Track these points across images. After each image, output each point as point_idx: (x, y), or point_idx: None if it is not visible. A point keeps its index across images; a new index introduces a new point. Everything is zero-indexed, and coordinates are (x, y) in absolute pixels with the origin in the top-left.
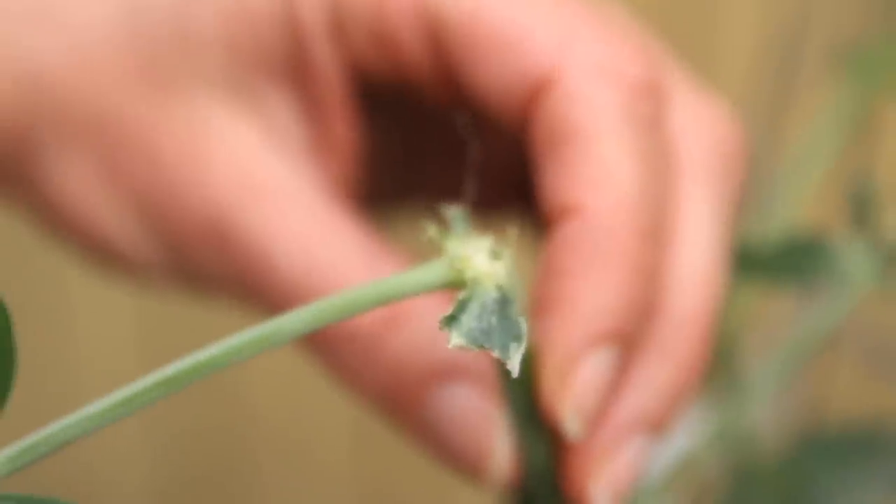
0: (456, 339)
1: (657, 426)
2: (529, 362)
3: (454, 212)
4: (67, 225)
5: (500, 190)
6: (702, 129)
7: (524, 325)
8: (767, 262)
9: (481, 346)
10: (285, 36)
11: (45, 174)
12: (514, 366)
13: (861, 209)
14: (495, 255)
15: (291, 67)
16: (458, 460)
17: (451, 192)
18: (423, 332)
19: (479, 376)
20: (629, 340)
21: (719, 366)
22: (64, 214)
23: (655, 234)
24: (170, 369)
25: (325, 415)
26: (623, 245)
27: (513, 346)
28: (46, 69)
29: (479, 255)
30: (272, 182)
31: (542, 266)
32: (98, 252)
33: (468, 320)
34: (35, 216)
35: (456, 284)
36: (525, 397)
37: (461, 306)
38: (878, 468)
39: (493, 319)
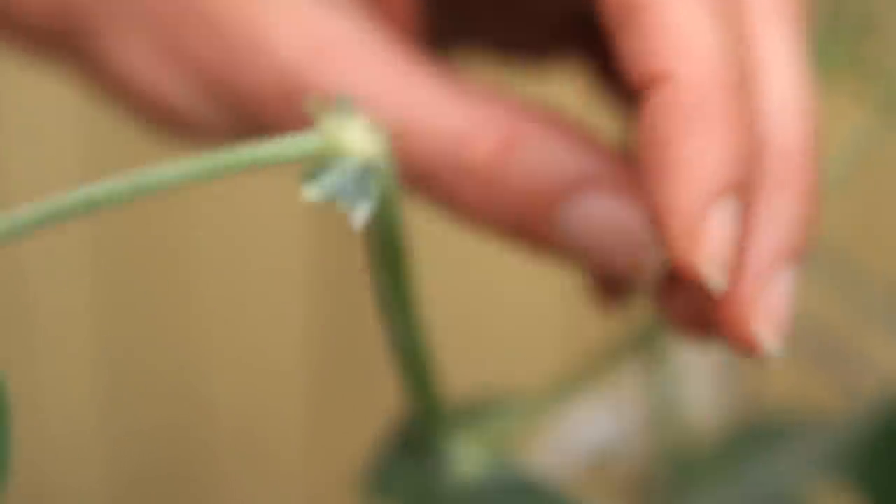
0: (311, 193)
1: (795, 254)
2: (394, 242)
3: (340, 97)
4: (130, 97)
5: (556, 35)
6: None
7: (375, 190)
8: None
9: (333, 202)
10: None
11: (104, 50)
12: (358, 222)
13: None
14: (368, 133)
15: None
16: (606, 271)
17: (505, 37)
18: (542, 151)
19: (614, 183)
20: (745, 187)
21: (650, 349)
22: (126, 87)
23: (745, 82)
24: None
25: (281, 415)
26: (720, 103)
27: (362, 205)
28: None
29: (351, 130)
30: (339, 36)
31: (642, 137)
32: (163, 119)
33: (327, 180)
34: (96, 86)
35: (327, 153)
36: (391, 274)
37: (322, 166)
38: (809, 453)
39: (351, 184)
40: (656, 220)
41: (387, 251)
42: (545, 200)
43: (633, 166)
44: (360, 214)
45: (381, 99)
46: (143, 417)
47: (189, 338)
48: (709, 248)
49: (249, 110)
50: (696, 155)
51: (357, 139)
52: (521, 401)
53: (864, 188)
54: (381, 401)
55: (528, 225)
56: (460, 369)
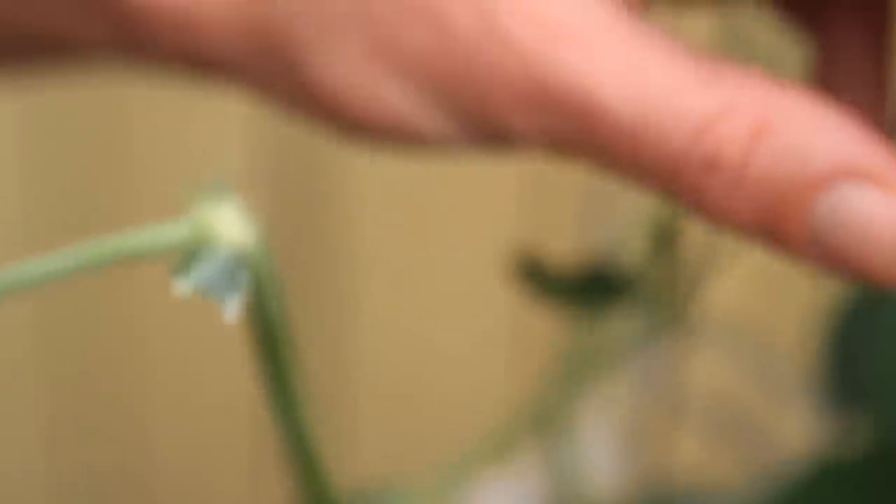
0: (183, 286)
1: None
2: (275, 337)
3: (216, 181)
4: (348, 115)
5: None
6: None
7: (247, 281)
8: (569, 286)
9: (206, 296)
10: None
11: (315, 67)
12: (230, 316)
13: (662, 236)
14: (240, 220)
15: None
16: (865, 272)
17: None
18: (796, 136)
19: (881, 171)
20: None
21: (552, 422)
22: (343, 105)
23: None
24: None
25: (223, 451)
26: None
27: (232, 297)
28: None
29: (223, 217)
30: (571, 19)
31: None
32: (387, 136)
33: (197, 272)
34: (302, 110)
35: (197, 243)
36: (271, 365)
37: (191, 258)
38: None
39: (221, 275)
40: None
41: (265, 342)
42: (797, 193)
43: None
44: (231, 307)
45: (616, 86)
46: (84, 461)
47: (132, 381)
48: None
49: (486, 116)
50: None
51: (228, 227)
52: (423, 484)
53: (765, 263)
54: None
55: (778, 223)
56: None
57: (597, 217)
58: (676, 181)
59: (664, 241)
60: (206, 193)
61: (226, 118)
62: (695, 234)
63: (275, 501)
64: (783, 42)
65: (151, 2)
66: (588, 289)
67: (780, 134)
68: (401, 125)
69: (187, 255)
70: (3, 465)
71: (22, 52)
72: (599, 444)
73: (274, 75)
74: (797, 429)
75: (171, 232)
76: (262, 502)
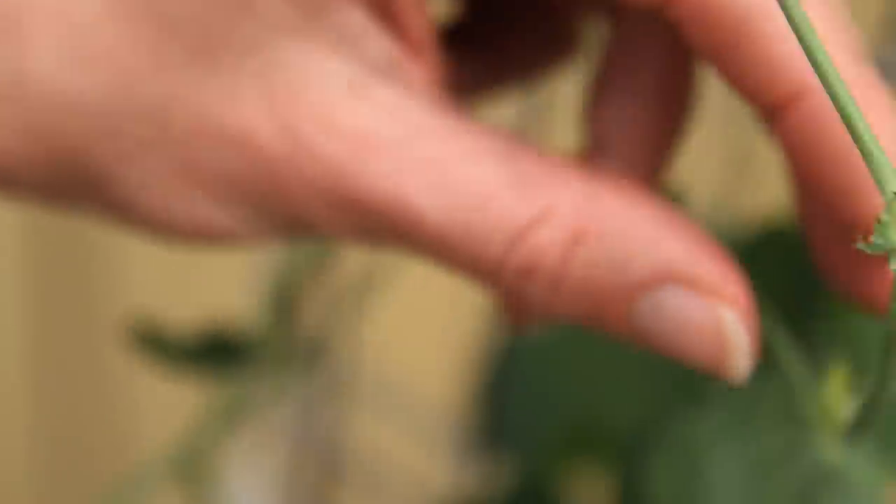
0: None
1: None
2: None
3: None
4: (165, 230)
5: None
6: None
7: None
8: (188, 352)
9: None
10: None
11: (125, 192)
12: None
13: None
14: None
15: None
16: (694, 362)
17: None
18: (613, 244)
19: (693, 272)
20: None
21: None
22: (159, 223)
23: (856, 55)
24: None
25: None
26: (863, 94)
27: None
28: (72, 93)
29: None
30: (382, 130)
31: (799, 158)
32: (206, 241)
33: None
34: (121, 221)
35: None
36: None
37: None
38: None
39: None
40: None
41: None
42: (617, 298)
43: (714, 243)
44: None
45: (429, 195)
46: None
47: None
48: None
49: (299, 220)
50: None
51: None
52: None
53: (415, 319)
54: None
55: (600, 320)
56: None
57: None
58: (495, 284)
59: (286, 303)
60: None
61: None
62: (336, 285)
63: None
64: None
65: None
66: (207, 353)
67: (597, 240)
68: (215, 231)
69: None
70: None
71: None
72: (255, 499)
73: (79, 195)
74: (449, 475)
75: None
76: None
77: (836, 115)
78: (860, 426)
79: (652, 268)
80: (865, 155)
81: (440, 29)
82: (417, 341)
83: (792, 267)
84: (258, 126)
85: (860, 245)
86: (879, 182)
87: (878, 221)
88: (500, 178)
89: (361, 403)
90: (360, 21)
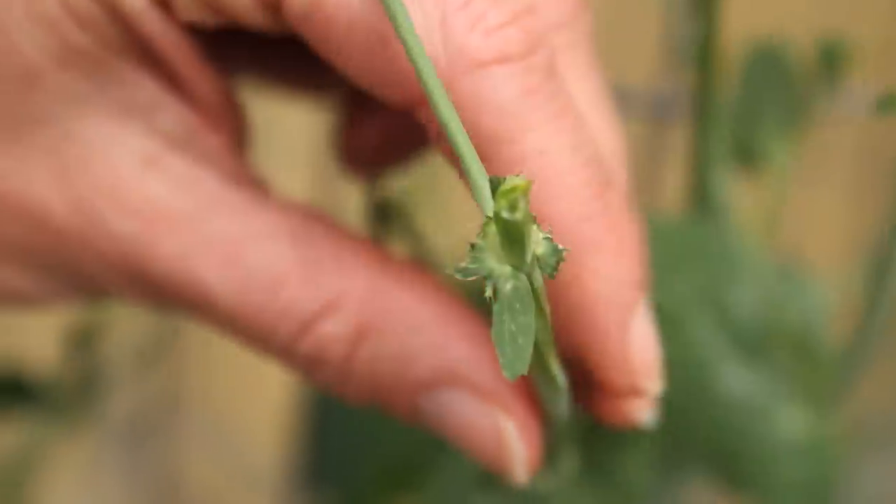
0: None
1: (641, 287)
2: None
3: None
4: None
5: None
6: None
7: None
8: None
9: None
10: (109, 17)
11: None
12: None
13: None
14: None
15: (131, 47)
16: (477, 457)
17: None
18: (394, 342)
19: (473, 379)
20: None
21: None
22: None
23: (608, 176)
24: None
25: None
26: (602, 219)
27: None
28: None
29: None
30: (175, 204)
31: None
32: (4, 302)
33: None
34: None
35: None
36: None
37: None
38: None
39: None
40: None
41: None
42: (401, 392)
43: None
44: None
45: (219, 275)
46: None
47: None
48: (642, 363)
49: (92, 287)
50: (605, 282)
51: None
52: None
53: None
54: None
55: (389, 410)
56: None
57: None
58: (287, 365)
59: (79, 345)
60: None
61: None
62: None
63: None
64: None
65: None
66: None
67: (382, 335)
68: (16, 295)
69: None
70: None
71: None
72: None
73: None
74: None
75: None
76: None
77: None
78: None
79: (434, 369)
80: (471, 178)
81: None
82: (242, 382)
83: None
84: (51, 200)
85: (453, 271)
86: (479, 202)
87: (472, 246)
88: (290, 262)
89: (189, 442)
90: (151, 92)
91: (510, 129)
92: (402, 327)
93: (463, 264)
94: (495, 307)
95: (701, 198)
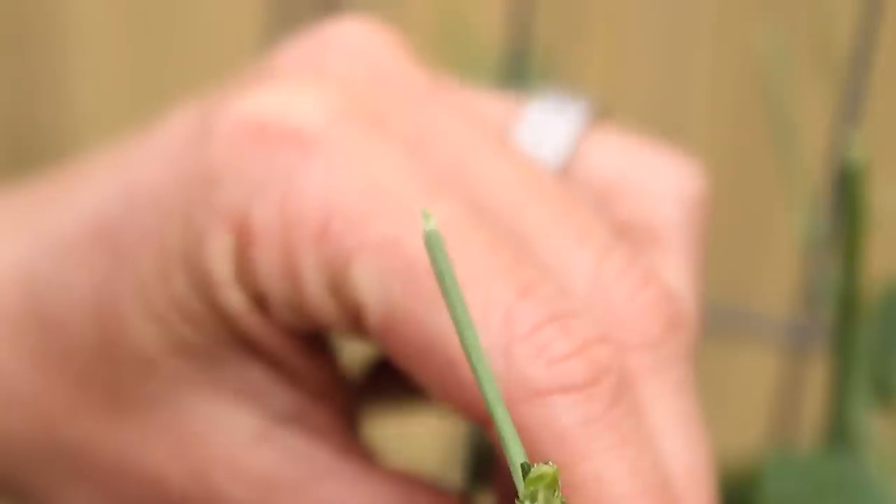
0: None
1: None
2: None
3: None
4: None
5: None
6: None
7: None
8: None
9: None
10: (214, 317)
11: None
12: None
13: None
14: None
15: (237, 342)
16: None
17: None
18: None
19: None
20: None
21: None
22: None
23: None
24: None
25: None
26: None
27: None
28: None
29: None
30: (287, 474)
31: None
32: None
33: None
34: None
35: None
36: None
37: None
38: None
39: None
40: None
41: None
42: None
43: None
44: None
45: None
46: None
47: None
48: None
49: None
50: None
51: None
52: None
53: None
54: None
55: None
56: None
57: None
58: None
59: None
60: None
61: None
62: None
63: None
64: None
65: None
66: None
67: None
68: None
69: None
70: None
71: None
72: None
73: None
74: None
75: None
76: None
77: None
78: None
79: None
80: (511, 465)
81: (349, 378)
82: None
83: None
84: (170, 471)
85: None
86: (517, 486)
87: None
88: None
89: None
90: (259, 377)
91: (568, 456)
92: None
93: None
94: None
95: (838, 431)
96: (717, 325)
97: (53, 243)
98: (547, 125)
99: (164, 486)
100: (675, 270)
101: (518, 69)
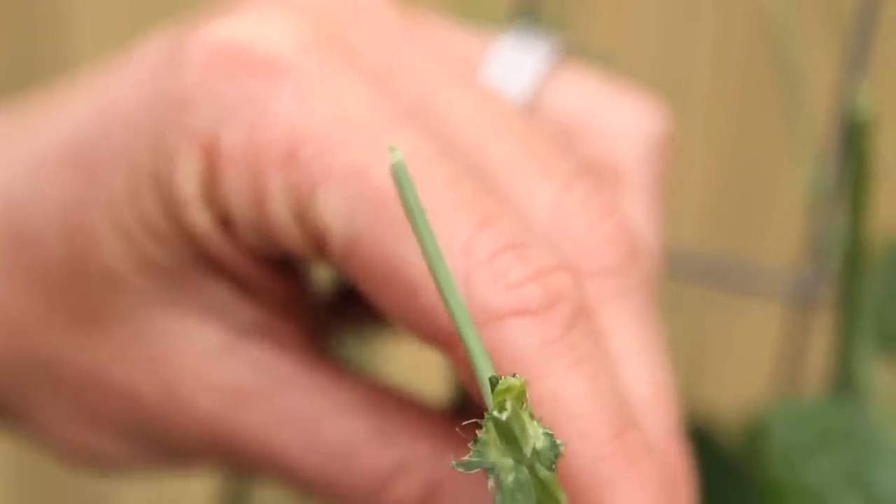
0: None
1: None
2: None
3: None
4: (63, 451)
5: None
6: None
7: None
8: None
9: None
10: (180, 235)
11: (33, 419)
12: None
13: None
14: None
15: (202, 260)
16: None
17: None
18: (464, 500)
19: None
20: None
21: None
22: (59, 445)
23: (632, 418)
24: None
25: None
26: (624, 465)
27: None
28: None
29: None
30: (256, 382)
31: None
32: (95, 464)
33: None
34: (31, 441)
35: None
36: None
37: None
38: None
39: None
40: None
41: None
42: None
43: None
44: None
45: (299, 445)
46: None
47: None
48: None
49: (177, 456)
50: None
51: None
52: None
53: None
54: None
55: None
56: None
57: None
58: None
59: None
60: None
61: None
62: None
63: None
64: None
65: None
66: None
67: (448, 496)
68: (111, 461)
69: None
70: None
71: None
72: None
73: (7, 420)
74: None
75: None
76: None
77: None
78: None
79: None
80: (481, 382)
81: (317, 296)
82: None
83: None
84: (142, 385)
85: (455, 464)
86: (486, 401)
87: (476, 441)
88: (363, 429)
89: None
90: (224, 294)
91: (525, 376)
92: (467, 487)
93: (467, 457)
94: (497, 498)
95: (844, 381)
96: (724, 277)
97: (29, 163)
98: (516, 62)
99: (137, 400)
100: (636, 208)
101: (526, 26)
